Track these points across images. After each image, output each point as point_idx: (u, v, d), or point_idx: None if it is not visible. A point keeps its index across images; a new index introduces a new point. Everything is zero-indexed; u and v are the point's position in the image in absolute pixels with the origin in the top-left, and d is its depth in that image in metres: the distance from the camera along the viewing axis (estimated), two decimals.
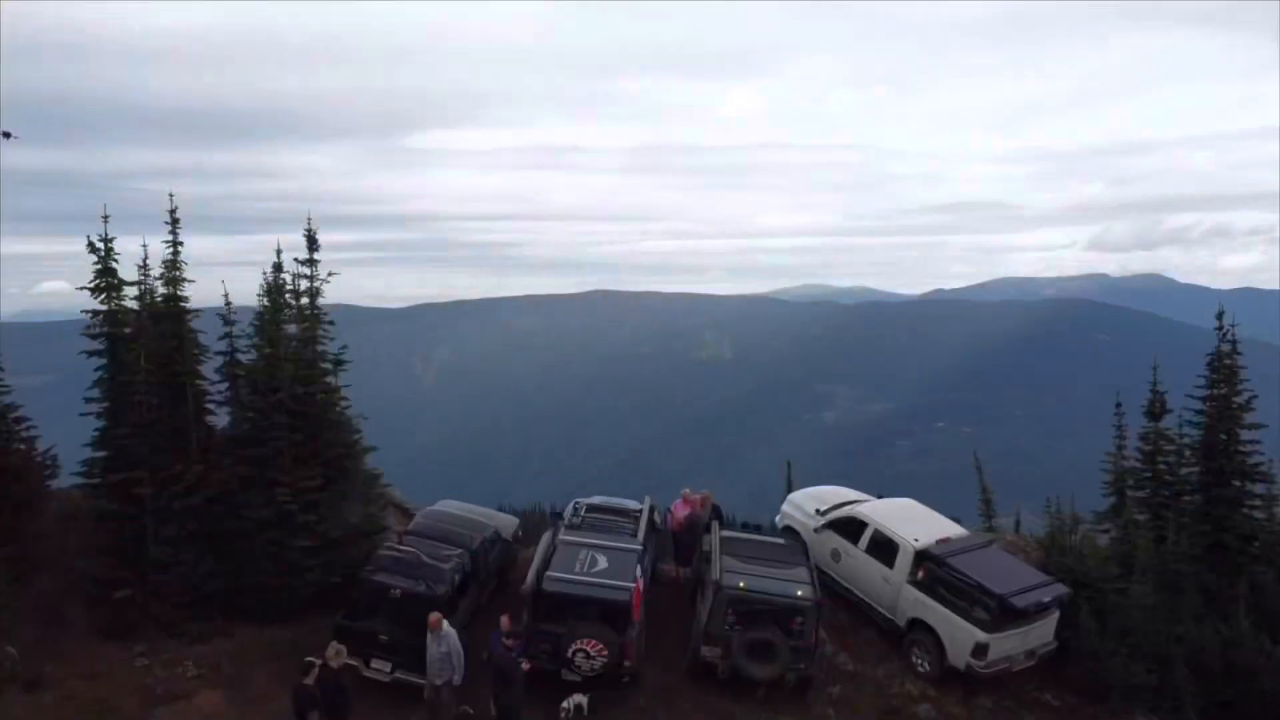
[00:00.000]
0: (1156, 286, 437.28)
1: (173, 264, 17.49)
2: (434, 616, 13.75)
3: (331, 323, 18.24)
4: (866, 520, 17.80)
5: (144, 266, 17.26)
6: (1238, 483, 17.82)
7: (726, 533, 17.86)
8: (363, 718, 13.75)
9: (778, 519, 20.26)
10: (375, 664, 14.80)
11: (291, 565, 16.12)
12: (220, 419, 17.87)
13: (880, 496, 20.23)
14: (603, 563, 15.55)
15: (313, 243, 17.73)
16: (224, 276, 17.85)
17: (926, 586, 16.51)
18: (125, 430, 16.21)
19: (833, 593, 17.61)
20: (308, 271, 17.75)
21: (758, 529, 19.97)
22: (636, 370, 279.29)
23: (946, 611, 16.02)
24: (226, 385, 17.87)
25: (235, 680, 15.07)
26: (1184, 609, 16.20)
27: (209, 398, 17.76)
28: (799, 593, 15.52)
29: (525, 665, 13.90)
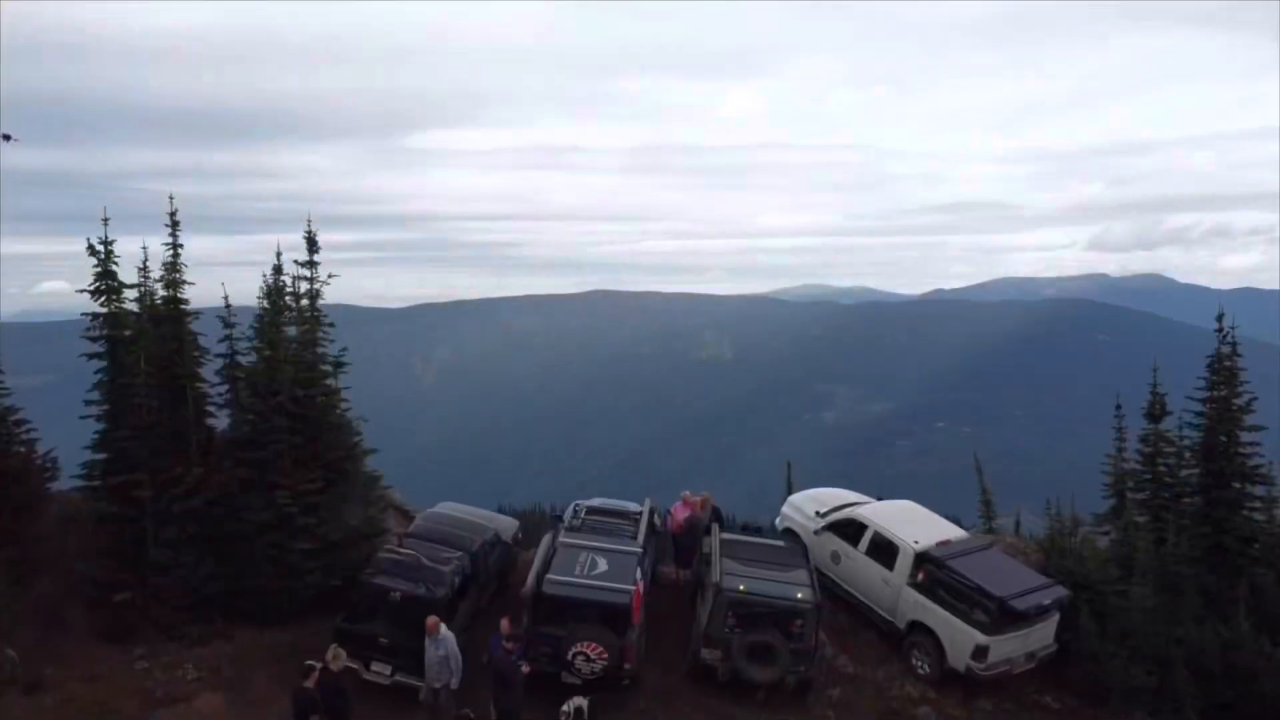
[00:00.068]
0: (1156, 286, 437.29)
1: (173, 266, 17.51)
2: (431, 620, 13.74)
3: (331, 325, 18.24)
4: (866, 522, 17.80)
5: (144, 269, 17.27)
6: (1238, 485, 17.82)
7: (726, 535, 17.86)
8: None
9: (778, 521, 20.25)
10: (375, 667, 14.79)
11: (291, 568, 16.11)
12: (220, 421, 17.87)
13: (880, 498, 20.23)
14: (603, 565, 15.54)
15: (313, 244, 17.73)
16: (224, 276, 17.88)
17: (926, 589, 16.51)
18: (125, 433, 16.20)
19: (833, 595, 17.61)
20: (308, 273, 17.76)
21: (758, 531, 19.98)
22: (636, 370, 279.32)
23: (946, 614, 16.03)
24: (226, 388, 17.86)
25: (235, 683, 15.05)
26: (1184, 611, 16.21)
27: (209, 400, 17.77)
28: (799, 595, 15.52)
29: (525, 668, 13.90)
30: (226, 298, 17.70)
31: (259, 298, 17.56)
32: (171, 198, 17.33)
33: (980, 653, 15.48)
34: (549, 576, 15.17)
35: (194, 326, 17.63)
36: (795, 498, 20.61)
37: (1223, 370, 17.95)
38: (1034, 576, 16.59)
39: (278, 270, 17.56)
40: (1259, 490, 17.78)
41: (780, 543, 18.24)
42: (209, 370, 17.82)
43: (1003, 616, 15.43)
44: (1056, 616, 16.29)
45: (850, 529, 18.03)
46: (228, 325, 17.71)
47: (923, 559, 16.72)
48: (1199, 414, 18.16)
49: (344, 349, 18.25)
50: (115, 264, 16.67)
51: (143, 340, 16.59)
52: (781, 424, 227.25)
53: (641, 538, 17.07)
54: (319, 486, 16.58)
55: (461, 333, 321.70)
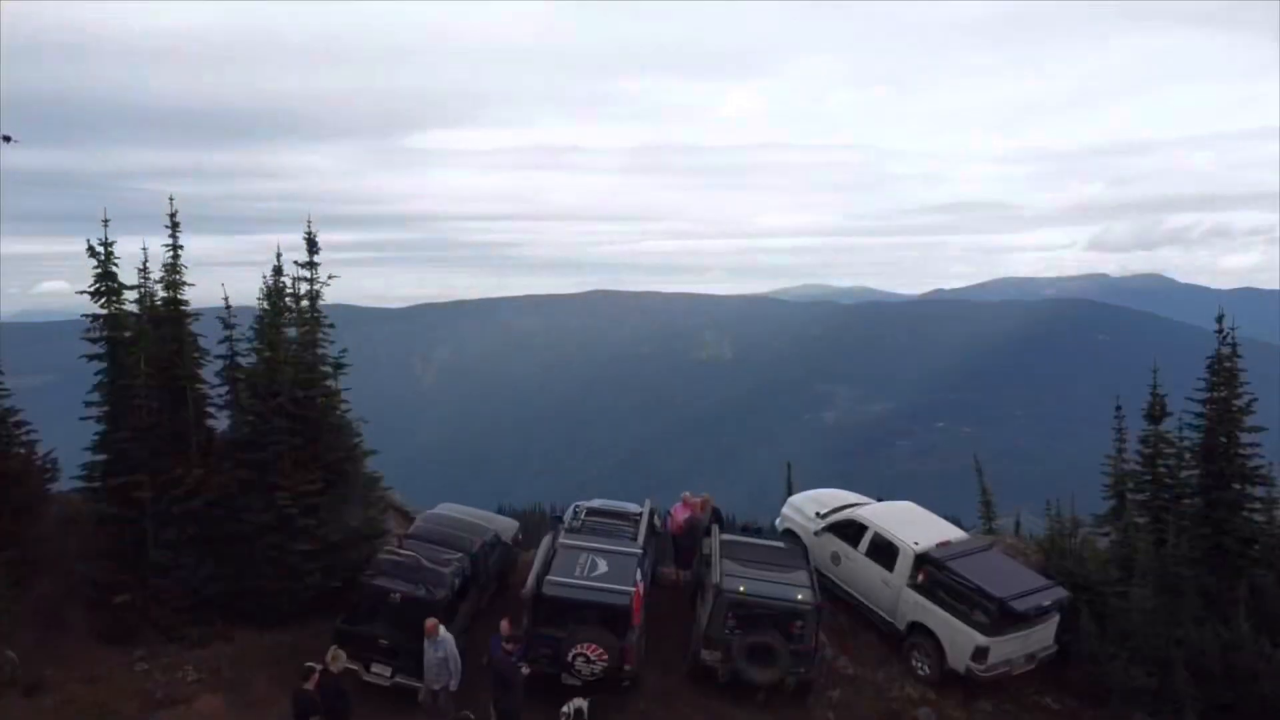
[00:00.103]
0: (1156, 286, 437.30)
1: (173, 267, 17.51)
2: (430, 622, 13.74)
3: (331, 325, 18.24)
4: (866, 523, 17.80)
5: (144, 269, 17.27)
6: (1238, 486, 17.81)
7: (726, 536, 17.86)
8: None
9: (778, 522, 20.25)
10: (375, 668, 14.79)
11: (291, 569, 16.11)
12: (220, 423, 17.88)
13: (880, 499, 20.22)
14: (603, 567, 15.54)
15: (312, 246, 17.74)
16: (224, 276, 17.88)
17: (926, 590, 16.50)
18: (125, 434, 16.20)
19: (833, 596, 17.62)
20: (308, 274, 17.77)
21: (758, 532, 19.97)
22: (636, 370, 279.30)
23: (946, 615, 16.02)
24: (226, 389, 17.87)
25: (235, 684, 15.06)
26: (1184, 612, 16.19)
27: (209, 401, 17.78)
28: (799, 596, 15.52)
29: (525, 669, 13.91)
30: (226, 299, 17.72)
31: (259, 299, 17.57)
32: (171, 199, 17.38)
33: (980, 654, 15.48)
34: (549, 578, 15.16)
35: (194, 327, 17.64)
36: (795, 499, 20.61)
37: (1223, 371, 17.95)
38: (1034, 578, 16.59)
39: (278, 271, 17.57)
40: (1259, 491, 17.76)
41: (780, 544, 18.24)
42: (209, 371, 17.84)
43: (1003, 618, 15.43)
44: (1056, 618, 16.29)
45: (850, 530, 18.03)
46: (228, 326, 17.72)
47: (923, 560, 16.72)
48: (1199, 415, 18.15)
49: (344, 350, 18.26)
50: (115, 265, 16.69)
51: (143, 342, 16.60)
52: (781, 424, 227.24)
53: (641, 539, 17.07)
54: (319, 488, 16.58)
55: (461, 333, 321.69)
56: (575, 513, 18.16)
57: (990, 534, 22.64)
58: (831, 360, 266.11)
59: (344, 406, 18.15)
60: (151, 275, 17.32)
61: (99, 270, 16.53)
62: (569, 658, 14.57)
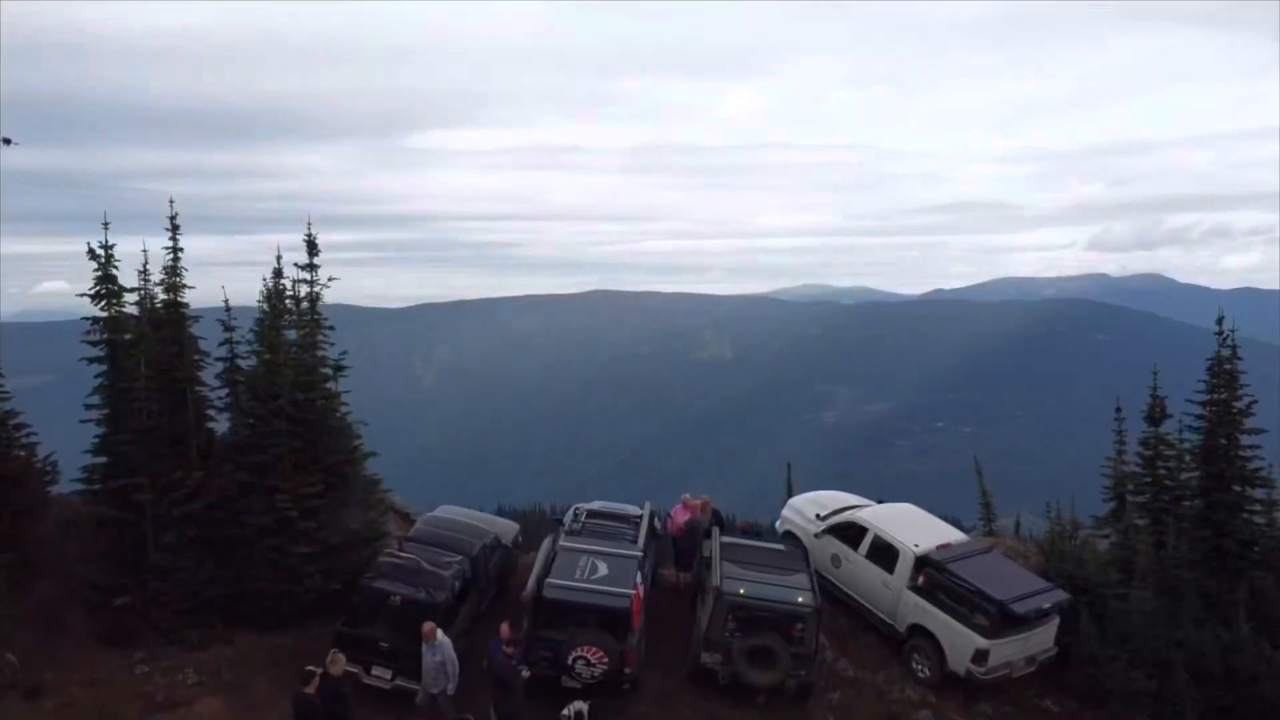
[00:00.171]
0: (1156, 286, 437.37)
1: (173, 270, 17.50)
2: (428, 626, 13.73)
3: (331, 328, 18.25)
4: (867, 525, 17.80)
5: (144, 272, 17.26)
6: (1238, 488, 17.82)
7: (727, 538, 17.84)
8: None
9: (778, 524, 20.25)
10: (376, 671, 14.79)
11: (292, 572, 16.12)
12: (220, 425, 17.88)
13: (880, 501, 20.22)
14: (603, 569, 15.53)
15: (313, 248, 17.76)
16: (224, 276, 17.89)
17: (927, 592, 16.50)
18: (125, 436, 16.19)
19: (833, 598, 17.61)
20: (308, 276, 17.78)
21: (758, 534, 19.96)
22: (636, 370, 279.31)
23: (947, 617, 16.01)
24: (226, 391, 17.87)
25: (235, 687, 15.05)
26: (1184, 614, 16.19)
27: (209, 404, 17.77)
28: (799, 599, 15.51)
29: (525, 672, 13.91)
30: (227, 301, 17.72)
31: (259, 301, 17.57)
32: (172, 201, 17.38)
33: (980, 656, 15.47)
34: (549, 580, 15.16)
35: (194, 329, 17.63)
36: (795, 500, 20.60)
37: (1223, 373, 17.95)
38: (1034, 580, 16.59)
39: (278, 274, 17.57)
40: (1259, 493, 17.77)
41: (781, 546, 18.22)
42: (209, 374, 17.83)
43: (1003, 620, 15.42)
44: (1057, 620, 16.28)
45: (850, 532, 18.03)
46: (228, 329, 17.72)
47: (923, 562, 16.71)
48: (1199, 417, 18.15)
49: (344, 352, 18.27)
50: (115, 268, 16.69)
51: (143, 344, 16.59)
52: (781, 424, 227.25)
53: (642, 541, 17.08)
54: (319, 490, 16.58)
55: (461, 333, 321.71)
56: (575, 515, 18.15)
57: (990, 535, 22.64)
58: (831, 360, 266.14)
59: (344, 409, 18.15)
60: (152, 277, 17.32)
61: (99, 273, 16.53)
62: (569, 660, 14.57)
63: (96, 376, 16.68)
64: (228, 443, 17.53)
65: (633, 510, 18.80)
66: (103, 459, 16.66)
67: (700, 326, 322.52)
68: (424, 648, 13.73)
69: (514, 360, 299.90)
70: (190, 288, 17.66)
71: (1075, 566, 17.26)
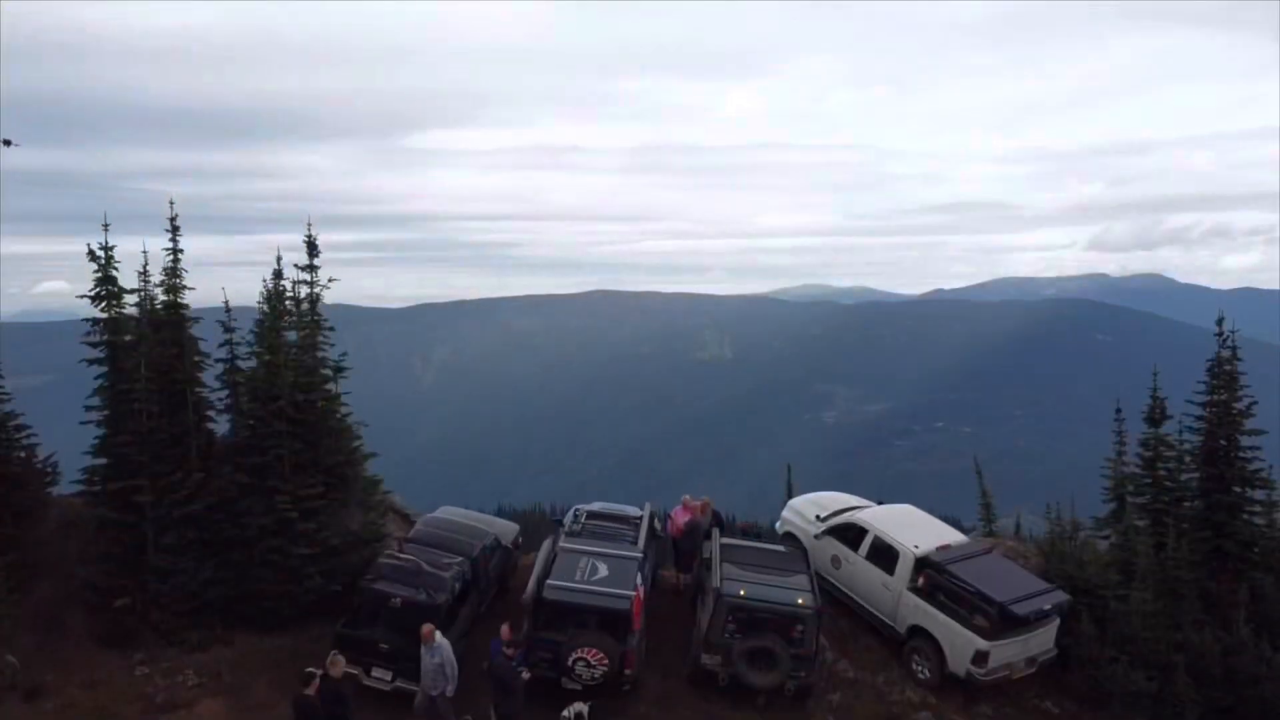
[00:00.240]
0: (1156, 286, 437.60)
1: (173, 271, 17.49)
2: (426, 628, 13.72)
3: (331, 329, 18.25)
4: (867, 527, 17.79)
5: (144, 273, 17.24)
6: (1238, 489, 17.83)
7: (727, 540, 17.84)
8: None
9: (778, 525, 20.26)
10: (376, 673, 14.77)
11: (292, 573, 16.11)
12: (220, 426, 17.87)
13: (880, 502, 20.22)
14: (603, 570, 15.52)
15: (312, 249, 17.75)
16: (224, 277, 17.87)
17: (927, 593, 16.49)
18: (125, 438, 16.18)
19: (833, 599, 17.62)
20: (307, 278, 17.77)
21: (758, 535, 19.96)
22: (636, 370, 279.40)
23: (947, 619, 16.01)
24: (227, 393, 17.87)
25: (236, 689, 15.05)
26: (1184, 615, 16.22)
27: (209, 405, 17.74)
28: (799, 600, 15.51)
29: (525, 674, 13.91)
30: (227, 302, 17.71)
31: (259, 302, 17.56)
32: (172, 203, 17.34)
33: (980, 658, 15.47)
34: (549, 582, 15.15)
35: (194, 330, 17.61)
36: (795, 501, 20.60)
37: (1223, 374, 17.95)
38: (1034, 581, 16.58)
39: (278, 275, 17.56)
40: (1259, 495, 17.78)
41: (781, 547, 18.21)
42: (209, 375, 17.81)
43: (1003, 621, 15.42)
44: (1057, 621, 16.28)
45: (850, 533, 18.02)
46: (228, 330, 17.70)
47: (923, 564, 16.71)
48: (1199, 418, 18.15)
49: (344, 354, 18.27)
50: (116, 269, 16.67)
51: (143, 346, 16.58)
52: (781, 424, 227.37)
53: (642, 543, 17.07)
54: (319, 491, 16.57)
55: (461, 333, 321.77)
56: (575, 516, 18.12)
57: (990, 536, 22.64)
58: (831, 360, 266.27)
59: (344, 410, 18.14)
60: (152, 279, 17.30)
61: (99, 275, 16.52)
62: (569, 662, 14.56)
63: (96, 378, 16.67)
64: (228, 444, 17.52)
65: (633, 511, 18.79)
66: (103, 460, 16.64)
67: (700, 326, 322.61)
68: (422, 650, 13.72)
69: (514, 360, 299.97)
70: (190, 289, 17.66)
71: (1075, 568, 17.26)
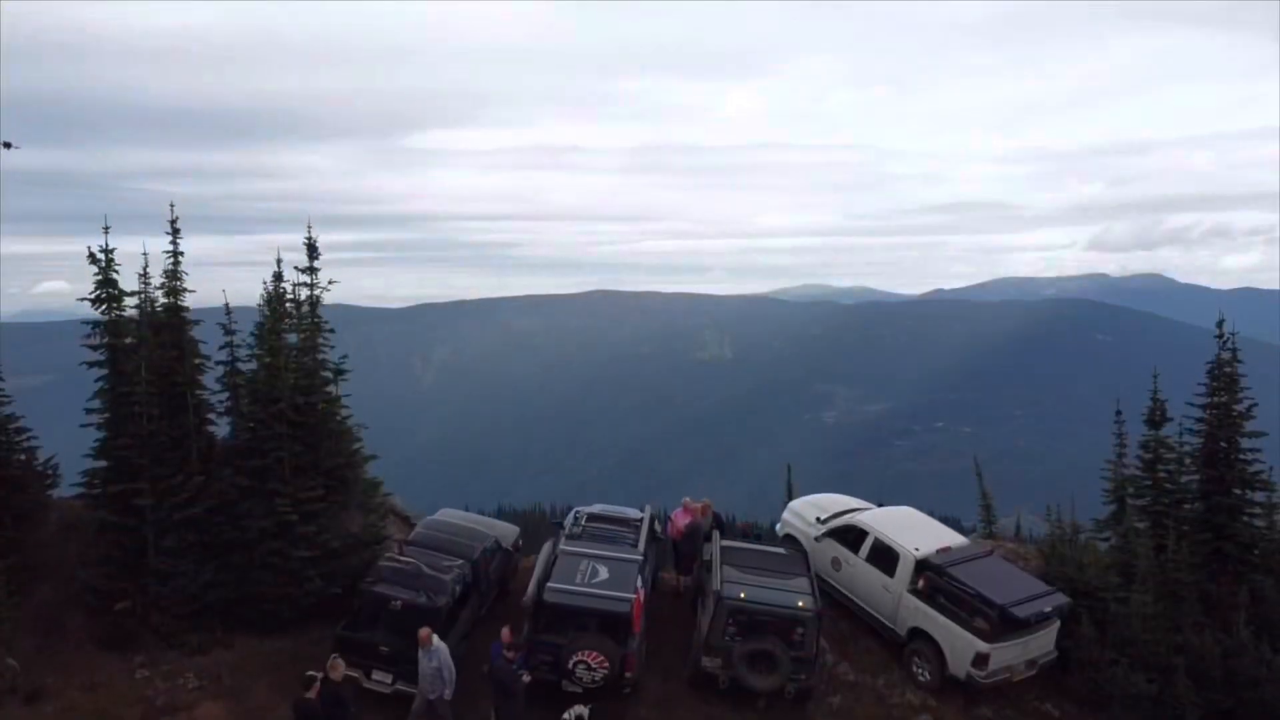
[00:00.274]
0: (1156, 286, 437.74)
1: (173, 273, 17.49)
2: (424, 631, 13.72)
3: (332, 331, 18.24)
4: (867, 529, 17.79)
5: (144, 275, 17.25)
6: (1238, 491, 17.78)
7: (727, 542, 17.83)
8: None
9: (778, 527, 20.25)
10: (376, 675, 14.76)
11: (292, 576, 16.11)
12: (221, 429, 17.87)
13: (881, 504, 20.22)
14: (604, 573, 15.52)
15: (313, 251, 17.74)
16: (224, 277, 17.90)
17: (927, 596, 16.50)
18: (126, 441, 16.18)
19: (833, 602, 17.61)
20: (308, 280, 17.77)
21: (758, 536, 19.96)
22: (636, 370, 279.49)
23: (947, 621, 16.01)
24: (227, 395, 17.86)
25: (236, 691, 15.05)
26: (1184, 618, 16.20)
27: (209, 408, 17.74)
28: (800, 603, 15.49)
29: (526, 677, 13.91)
30: (227, 304, 17.71)
31: (259, 304, 17.56)
32: (172, 205, 17.36)
33: (981, 660, 15.46)
34: (550, 585, 15.15)
35: (194, 331, 17.61)
36: (796, 503, 20.59)
37: (1223, 376, 17.93)
38: (1034, 583, 16.58)
39: (278, 277, 17.56)
40: (1259, 497, 17.74)
41: (781, 550, 18.20)
42: (210, 378, 17.81)
43: (1003, 624, 15.42)
44: (1057, 623, 16.28)
45: (851, 535, 18.02)
46: (228, 332, 17.70)
47: (923, 566, 16.71)
48: (1199, 420, 18.12)
49: (344, 356, 18.27)
50: (116, 272, 16.68)
51: (143, 349, 16.57)
52: (781, 424, 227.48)
53: (642, 545, 17.06)
54: (319, 494, 16.57)
55: (461, 333, 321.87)
56: (575, 518, 18.12)
57: (990, 537, 22.64)
58: (831, 360, 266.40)
59: (344, 412, 18.14)
60: (152, 281, 17.31)
61: (100, 277, 16.52)
62: (570, 665, 14.55)
63: (97, 380, 16.67)
64: (228, 446, 17.50)
65: (633, 514, 18.78)
66: (103, 463, 16.64)
67: (700, 326, 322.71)
68: (420, 653, 13.72)
69: (514, 360, 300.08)
70: (190, 291, 17.66)
71: (1075, 570, 17.26)
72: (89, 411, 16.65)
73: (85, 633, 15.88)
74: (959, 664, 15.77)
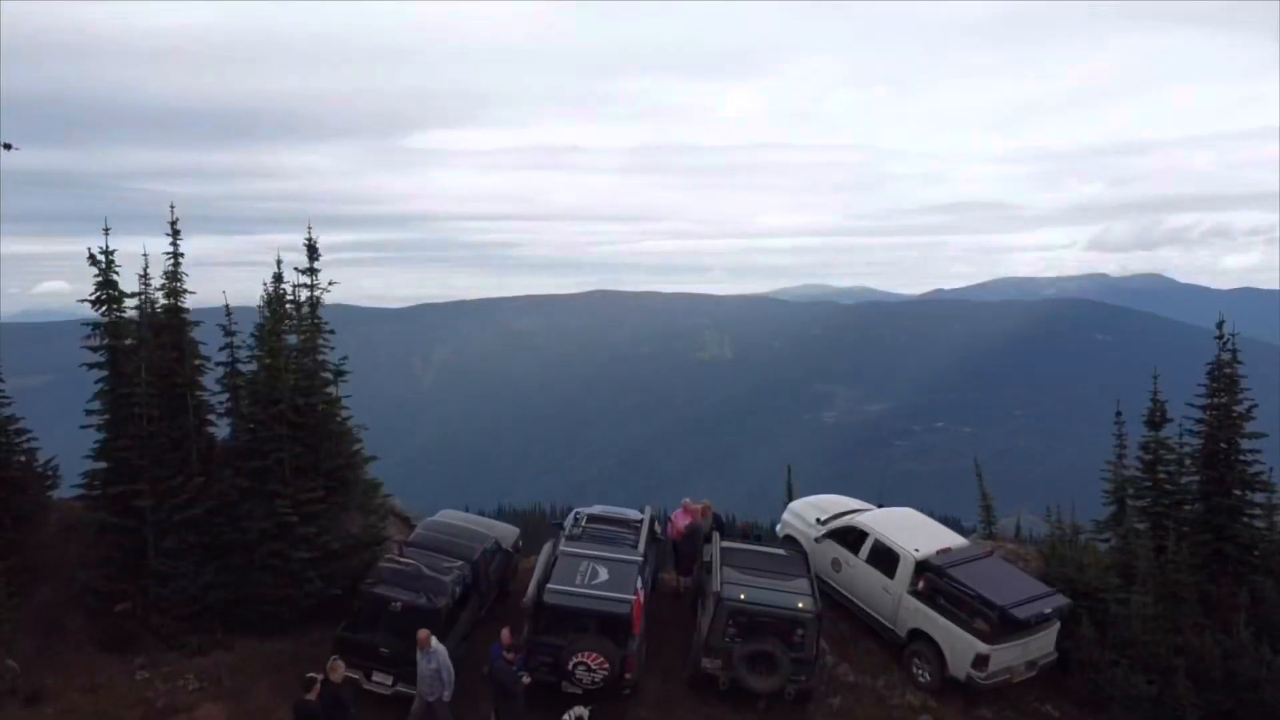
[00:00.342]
0: (1156, 286, 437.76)
1: (173, 274, 17.49)
2: (422, 633, 13.72)
3: (332, 332, 18.24)
4: (867, 530, 17.78)
5: (144, 275, 17.25)
6: (1238, 492, 17.78)
7: (727, 543, 17.82)
8: None
9: (778, 528, 20.25)
10: (376, 677, 14.76)
11: (292, 577, 16.11)
12: (221, 430, 17.86)
13: (881, 505, 20.21)
14: (603, 574, 15.51)
15: (313, 252, 17.74)
16: (224, 277, 18.01)
17: (927, 597, 16.50)
18: (126, 442, 16.19)
19: (833, 603, 17.61)
20: (308, 281, 17.77)
21: (758, 536, 19.95)
22: (636, 370, 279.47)
23: (947, 622, 16.00)
24: (227, 396, 17.85)
25: (236, 693, 15.06)
26: (1184, 619, 16.19)
27: (209, 409, 17.74)
28: (800, 604, 15.49)
29: (526, 678, 13.91)
30: (228, 306, 17.71)
31: (259, 305, 17.56)
32: (173, 206, 17.36)
33: (981, 661, 15.46)
34: (550, 586, 15.14)
35: (194, 332, 17.62)
36: (796, 504, 20.58)
37: (1223, 377, 17.93)
38: (1034, 584, 16.57)
39: (278, 278, 17.56)
40: (1259, 497, 17.74)
41: (781, 551, 18.20)
42: (210, 379, 17.81)
43: (1003, 625, 15.41)
44: (1057, 625, 16.28)
45: (851, 536, 18.01)
46: (228, 333, 17.70)
47: (923, 567, 16.70)
48: (1199, 421, 18.12)
49: (344, 357, 18.27)
50: (116, 273, 16.68)
51: (143, 350, 16.57)
52: (781, 424, 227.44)
53: (642, 546, 17.05)
54: (319, 495, 16.58)
55: (461, 333, 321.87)
56: (575, 520, 18.11)
57: (990, 537, 22.64)
58: (831, 360, 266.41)
59: (344, 413, 18.14)
60: (152, 282, 17.31)
61: (100, 278, 16.52)
62: (570, 666, 14.55)
63: (97, 382, 16.68)
64: (228, 448, 17.51)
65: (633, 515, 18.77)
66: (103, 464, 16.65)
67: (700, 326, 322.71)
68: (418, 655, 13.72)
69: (514, 360, 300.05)
70: (190, 292, 17.67)
71: (1075, 571, 17.26)
72: (89, 413, 16.66)
73: (85, 634, 15.89)
74: (959, 665, 15.77)
